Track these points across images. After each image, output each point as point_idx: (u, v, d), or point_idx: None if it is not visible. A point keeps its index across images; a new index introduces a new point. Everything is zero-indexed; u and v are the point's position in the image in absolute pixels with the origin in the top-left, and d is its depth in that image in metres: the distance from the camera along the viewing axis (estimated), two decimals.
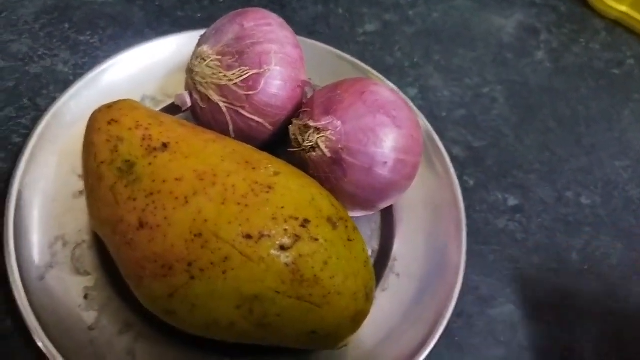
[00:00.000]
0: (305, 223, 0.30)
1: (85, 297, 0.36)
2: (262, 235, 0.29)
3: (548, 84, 0.57)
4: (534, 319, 0.42)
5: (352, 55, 0.50)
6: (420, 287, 0.40)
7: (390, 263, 0.41)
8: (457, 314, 0.39)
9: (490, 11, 0.64)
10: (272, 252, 0.29)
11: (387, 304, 0.39)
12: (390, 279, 0.40)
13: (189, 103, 0.39)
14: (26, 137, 0.42)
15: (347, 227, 0.33)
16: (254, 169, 0.32)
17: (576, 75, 0.59)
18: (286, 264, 0.29)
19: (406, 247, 0.42)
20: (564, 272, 0.45)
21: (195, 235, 0.29)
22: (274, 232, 0.29)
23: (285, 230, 0.30)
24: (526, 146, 0.52)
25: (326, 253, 0.30)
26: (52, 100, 0.42)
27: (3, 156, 0.41)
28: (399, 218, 0.43)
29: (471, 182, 0.48)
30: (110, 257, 0.37)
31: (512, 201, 0.48)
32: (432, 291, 0.39)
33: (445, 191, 0.43)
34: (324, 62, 0.47)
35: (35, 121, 0.42)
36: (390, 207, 0.43)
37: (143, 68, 0.46)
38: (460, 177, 0.45)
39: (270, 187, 0.31)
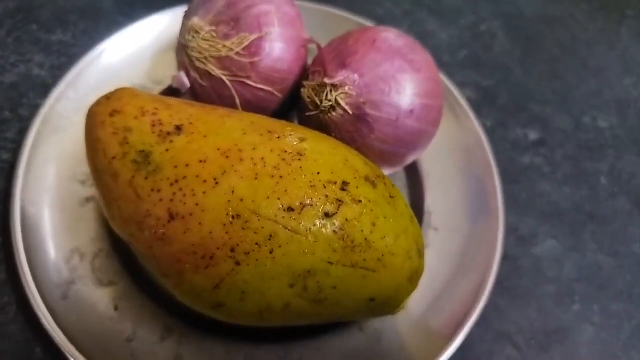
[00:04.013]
0: (344, 186, 0.28)
1: (116, 308, 0.33)
2: (304, 206, 0.27)
3: (543, 12, 0.55)
4: (578, 250, 0.41)
5: (340, 10, 0.47)
6: (462, 238, 0.38)
7: (425, 218, 0.39)
8: (502, 258, 0.37)
9: None
10: (318, 221, 0.27)
11: (432, 261, 0.37)
12: (430, 235, 0.38)
13: (187, 83, 0.36)
14: (15, 151, 0.39)
15: (385, 184, 0.30)
16: (278, 138, 0.29)
17: (569, 0, 0.57)
18: (334, 232, 0.27)
19: (439, 199, 0.39)
20: (597, 198, 0.44)
21: (233, 217, 0.26)
22: (315, 200, 0.27)
23: (327, 196, 0.27)
24: (535, 78, 0.50)
25: (372, 214, 0.28)
26: (35, 108, 0.39)
27: None
28: (425, 171, 0.41)
29: (488, 123, 0.46)
30: (134, 262, 0.35)
31: (532, 135, 0.46)
32: (475, 239, 0.38)
33: (468, 135, 0.41)
34: (313, 22, 0.44)
35: (22, 133, 0.38)
36: (414, 161, 0.41)
37: (125, 58, 0.42)
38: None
39: (300, 154, 0.28)
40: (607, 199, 0.44)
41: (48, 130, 0.37)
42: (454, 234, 0.38)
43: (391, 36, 0.35)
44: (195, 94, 0.36)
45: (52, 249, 0.34)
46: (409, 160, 0.36)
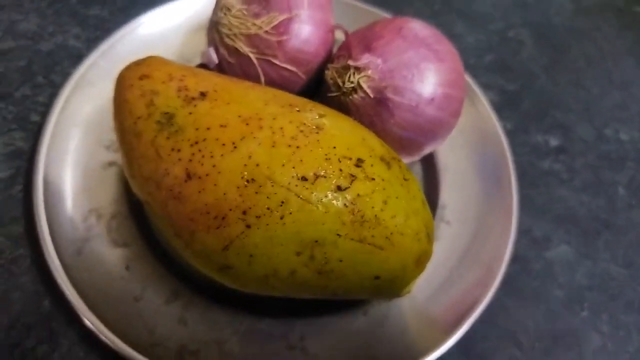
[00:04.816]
0: (359, 162, 0.29)
1: (127, 268, 0.34)
2: (317, 176, 0.27)
3: (572, 24, 0.55)
4: (591, 258, 0.41)
5: (370, 6, 0.48)
6: (473, 233, 0.38)
7: (438, 211, 0.39)
8: (512, 259, 0.37)
9: None
10: (330, 193, 0.27)
11: (441, 252, 0.37)
12: (441, 228, 0.38)
13: (215, 59, 0.37)
14: (44, 114, 0.40)
15: (400, 166, 0.31)
16: (298, 111, 0.30)
17: (598, 14, 0.57)
18: (345, 205, 0.27)
19: (454, 194, 0.40)
20: (614, 208, 0.43)
21: (247, 181, 0.27)
22: (329, 172, 0.28)
23: (341, 170, 0.28)
24: (560, 86, 0.50)
25: (385, 192, 0.28)
26: (67, 75, 0.40)
27: (24, 135, 0.39)
28: (442, 165, 0.41)
29: (509, 126, 0.46)
30: (149, 226, 0.36)
31: (553, 142, 0.46)
32: (487, 234, 0.38)
33: (488, 133, 0.42)
34: (342, 15, 0.45)
35: (52, 98, 0.40)
36: (431, 154, 0.41)
37: (158, 34, 0.44)
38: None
39: (319, 128, 0.29)
40: (624, 210, 0.43)
41: (78, 95, 0.39)
42: (466, 228, 0.38)
43: (417, 26, 0.35)
44: (222, 71, 0.37)
45: (71, 207, 0.35)
46: (427, 150, 0.37)
